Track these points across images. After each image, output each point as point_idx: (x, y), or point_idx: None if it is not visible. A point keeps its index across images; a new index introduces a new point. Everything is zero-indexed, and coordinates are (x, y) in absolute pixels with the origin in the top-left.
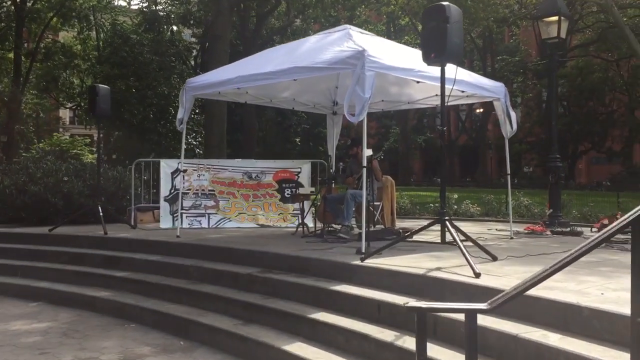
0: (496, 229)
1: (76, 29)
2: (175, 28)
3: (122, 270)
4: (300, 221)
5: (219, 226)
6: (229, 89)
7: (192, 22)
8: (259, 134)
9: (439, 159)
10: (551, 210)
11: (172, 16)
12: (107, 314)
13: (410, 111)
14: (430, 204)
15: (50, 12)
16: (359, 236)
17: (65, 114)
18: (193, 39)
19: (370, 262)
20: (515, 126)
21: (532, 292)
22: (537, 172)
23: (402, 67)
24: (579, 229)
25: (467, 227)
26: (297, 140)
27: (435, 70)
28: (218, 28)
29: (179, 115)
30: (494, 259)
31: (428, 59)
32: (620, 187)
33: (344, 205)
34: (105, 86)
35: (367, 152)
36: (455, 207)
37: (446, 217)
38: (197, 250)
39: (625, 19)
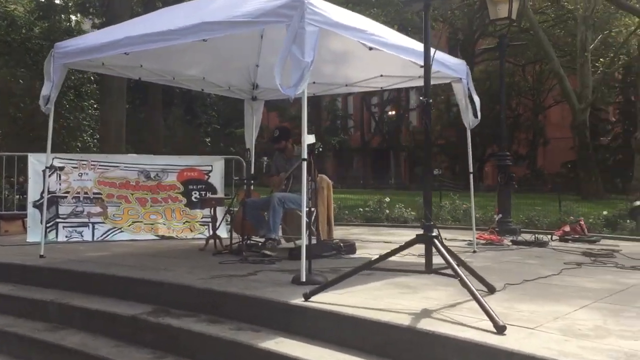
0: (445, 239)
1: None
2: (74, 18)
3: None
4: (210, 232)
5: (106, 239)
6: (115, 57)
7: (91, 10)
8: (165, 134)
9: (352, 161)
10: (500, 215)
11: (70, 4)
12: None
13: (324, 112)
14: (360, 209)
15: None
16: (290, 253)
17: None
18: (95, 30)
19: (319, 300)
20: (479, 114)
21: None
22: (447, 174)
23: (354, 27)
24: (544, 238)
25: (407, 236)
26: (208, 140)
27: (394, 37)
28: (116, 6)
29: (44, 92)
30: (492, 290)
31: None
32: (527, 189)
33: (269, 212)
34: None
35: (309, 138)
36: (388, 211)
37: (434, 234)
38: (61, 277)
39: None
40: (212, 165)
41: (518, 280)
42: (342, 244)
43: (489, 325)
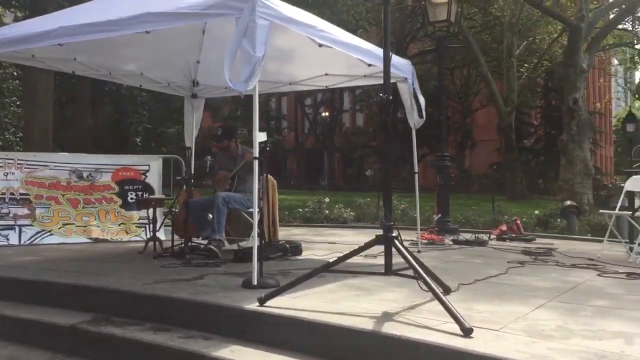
0: None
1: None
2: None
3: None
4: (149, 234)
5: (35, 242)
6: (46, 49)
7: (14, 2)
8: (94, 133)
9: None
10: (439, 215)
11: None
12: None
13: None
14: (299, 209)
15: None
16: (235, 255)
17: None
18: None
19: (274, 304)
20: (424, 114)
21: None
22: (379, 176)
23: (305, 22)
24: (483, 237)
25: (350, 236)
26: (138, 140)
27: (343, 35)
28: None
29: None
30: (447, 291)
31: None
32: (456, 189)
33: (213, 212)
34: None
35: (261, 136)
36: (327, 211)
37: (395, 234)
38: None
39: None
40: (149, 165)
41: (469, 280)
42: (288, 245)
43: (454, 327)
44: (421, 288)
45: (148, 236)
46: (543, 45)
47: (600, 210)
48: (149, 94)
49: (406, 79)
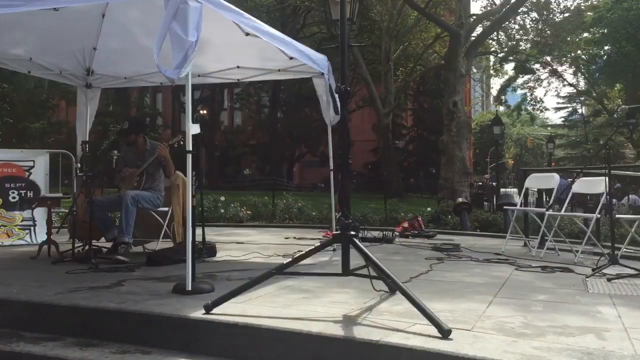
0: (294, 237)
1: None
2: None
3: None
4: (34, 237)
5: None
6: None
7: None
8: None
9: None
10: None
11: None
12: None
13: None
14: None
15: None
16: (148, 258)
17: None
18: None
19: (222, 311)
20: (339, 111)
21: None
22: (256, 174)
23: (234, 9)
24: (389, 234)
25: (254, 235)
26: None
27: (267, 26)
28: None
29: None
30: (392, 290)
31: None
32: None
33: (122, 212)
34: None
35: (194, 128)
36: (223, 210)
37: (352, 233)
38: None
39: None
40: (34, 161)
41: (404, 277)
42: (202, 247)
43: (425, 329)
44: (374, 288)
45: (33, 239)
46: (418, 50)
47: (505, 207)
48: (11, 85)
49: (322, 74)
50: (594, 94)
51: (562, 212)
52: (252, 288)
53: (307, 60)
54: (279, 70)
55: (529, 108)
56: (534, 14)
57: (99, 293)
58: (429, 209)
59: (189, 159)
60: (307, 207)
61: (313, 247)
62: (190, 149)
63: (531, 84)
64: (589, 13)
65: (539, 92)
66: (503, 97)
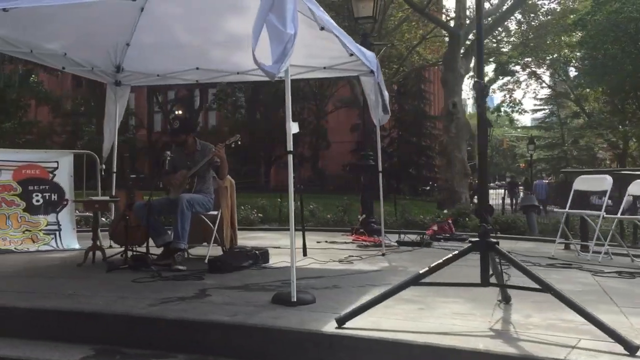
0: (326, 241)
1: None
2: None
3: None
4: (59, 243)
5: None
6: None
7: None
8: None
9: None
10: (364, 215)
11: None
12: None
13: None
14: None
15: None
16: (210, 265)
17: None
18: None
19: (354, 325)
20: (389, 110)
21: None
22: (234, 177)
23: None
24: (427, 238)
25: (281, 239)
26: None
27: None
28: None
29: None
30: (507, 300)
31: None
32: (310, 189)
33: (177, 216)
34: None
35: (294, 127)
36: None
37: (492, 238)
38: None
39: None
40: (57, 162)
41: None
42: (257, 252)
43: (596, 345)
44: (501, 300)
45: (59, 244)
46: (403, 51)
47: (555, 209)
48: None
49: (372, 71)
50: (572, 96)
51: (619, 215)
52: (351, 298)
53: (362, 57)
54: (324, 67)
55: (508, 110)
56: (519, 16)
57: (194, 304)
58: (445, 211)
59: (290, 160)
60: (318, 209)
61: (449, 255)
62: (291, 148)
63: (510, 86)
64: (571, 16)
65: (517, 94)
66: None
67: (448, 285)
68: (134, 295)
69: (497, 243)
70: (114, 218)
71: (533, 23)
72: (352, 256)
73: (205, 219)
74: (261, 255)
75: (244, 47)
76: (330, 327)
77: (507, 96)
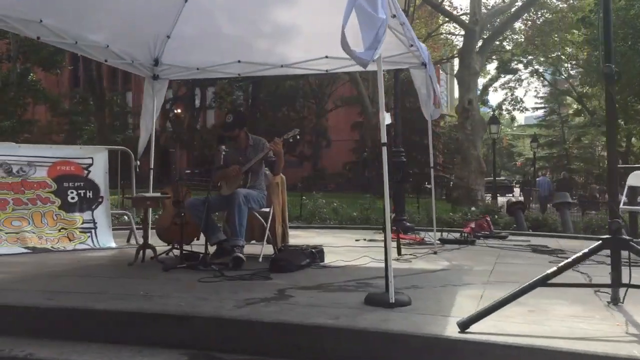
0: (364, 239)
1: None
2: None
3: None
4: (95, 241)
5: None
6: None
7: None
8: None
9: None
10: (394, 213)
11: None
12: None
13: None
14: None
15: None
16: (273, 263)
17: None
18: None
19: (477, 330)
20: (442, 104)
21: None
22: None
23: None
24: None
25: (327, 236)
26: None
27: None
28: None
29: None
30: (614, 300)
31: None
32: (311, 188)
33: (234, 213)
34: None
35: (387, 117)
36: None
37: (626, 236)
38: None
39: None
40: (92, 158)
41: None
42: (314, 250)
43: None
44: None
45: (95, 243)
46: None
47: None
48: None
49: (424, 64)
50: (574, 94)
51: None
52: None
53: (419, 45)
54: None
55: (510, 108)
56: (525, 14)
57: (283, 306)
58: (472, 208)
59: (384, 151)
60: (341, 207)
61: (578, 254)
62: (385, 140)
63: (512, 84)
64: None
65: (519, 92)
66: (486, 97)
67: (575, 286)
68: (212, 296)
69: (632, 240)
70: (161, 215)
71: (538, 22)
72: (405, 255)
73: (258, 216)
74: (317, 253)
75: (290, 39)
76: (451, 331)
77: (509, 94)
